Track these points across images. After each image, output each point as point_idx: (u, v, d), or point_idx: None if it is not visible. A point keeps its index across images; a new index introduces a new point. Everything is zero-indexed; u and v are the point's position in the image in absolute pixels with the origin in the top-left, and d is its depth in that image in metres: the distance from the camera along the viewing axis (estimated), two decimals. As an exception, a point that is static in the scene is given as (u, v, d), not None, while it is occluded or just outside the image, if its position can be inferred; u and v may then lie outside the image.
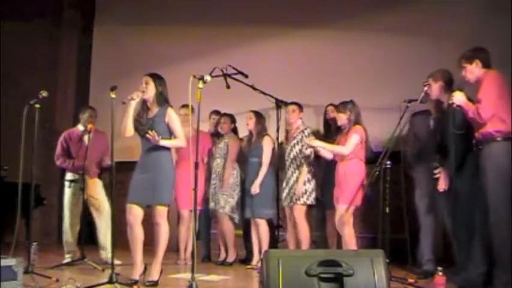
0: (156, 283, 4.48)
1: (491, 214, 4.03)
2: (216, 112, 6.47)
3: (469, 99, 4.18)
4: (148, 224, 4.57)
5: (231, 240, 6.05)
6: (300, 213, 5.61)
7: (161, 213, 4.46)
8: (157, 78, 4.56)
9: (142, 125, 4.50)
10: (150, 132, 4.37)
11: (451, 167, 4.48)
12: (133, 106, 4.45)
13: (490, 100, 4.03)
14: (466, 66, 4.22)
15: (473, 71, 4.19)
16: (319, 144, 5.13)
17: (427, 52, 5.96)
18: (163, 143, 4.43)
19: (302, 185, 5.58)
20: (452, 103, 4.17)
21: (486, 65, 4.18)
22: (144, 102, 4.56)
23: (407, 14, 6.30)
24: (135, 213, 4.47)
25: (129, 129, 4.49)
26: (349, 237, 4.91)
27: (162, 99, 4.54)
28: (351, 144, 4.95)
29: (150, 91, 4.51)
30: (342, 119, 5.12)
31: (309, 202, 5.61)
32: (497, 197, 4.02)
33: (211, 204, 6.03)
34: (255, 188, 5.74)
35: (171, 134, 4.52)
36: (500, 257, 4.01)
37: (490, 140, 4.07)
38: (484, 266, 4.18)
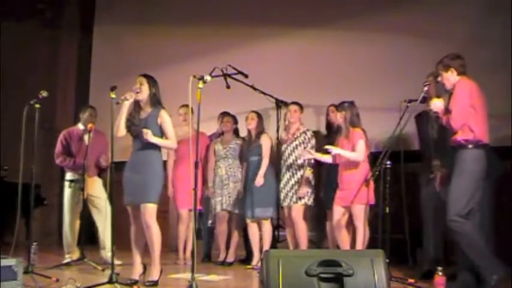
0: (156, 283, 4.49)
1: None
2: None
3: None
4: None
5: (235, 241, 6.08)
6: (298, 213, 5.62)
7: (150, 212, 4.41)
8: (150, 80, 4.58)
9: (135, 125, 4.51)
10: (145, 129, 4.40)
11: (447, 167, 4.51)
12: (127, 106, 4.46)
13: (459, 110, 4.09)
14: (442, 73, 4.29)
15: (449, 78, 4.27)
16: (335, 151, 5.06)
17: (427, 52, 5.93)
18: (155, 140, 4.43)
19: (307, 187, 5.58)
20: (430, 110, 4.23)
21: (461, 72, 4.23)
22: (136, 103, 4.56)
23: (407, 14, 6.29)
24: (134, 214, 4.50)
25: (122, 129, 4.50)
26: (365, 237, 4.93)
27: (155, 101, 4.56)
28: (361, 150, 4.98)
29: (144, 92, 4.53)
30: (339, 118, 5.16)
31: (309, 203, 5.64)
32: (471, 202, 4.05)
33: (224, 206, 5.99)
34: (259, 179, 5.72)
35: (162, 135, 4.53)
36: (486, 264, 4.02)
37: (462, 147, 4.14)
38: (471, 266, 4.18)
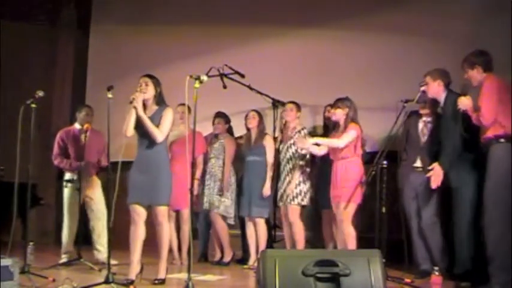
0: (163, 281, 4.55)
1: (487, 213, 4.03)
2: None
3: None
4: (147, 223, 4.58)
5: (225, 239, 6.03)
6: (294, 213, 5.60)
7: (162, 212, 4.52)
8: (155, 79, 4.63)
9: (141, 124, 4.50)
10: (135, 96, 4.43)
11: (446, 167, 4.50)
12: (140, 105, 4.46)
13: (489, 107, 4.08)
14: (468, 71, 4.26)
15: (475, 76, 4.26)
16: (312, 141, 5.07)
17: (425, 52, 5.95)
18: (144, 116, 4.44)
19: (294, 186, 5.56)
20: (459, 108, 4.19)
21: (487, 69, 4.21)
22: (142, 103, 4.55)
23: (407, 14, 6.28)
24: (139, 212, 4.53)
25: (131, 129, 4.51)
26: (351, 236, 4.91)
27: (160, 100, 4.62)
28: (346, 139, 4.88)
29: (150, 92, 4.57)
30: (339, 114, 5.08)
31: (303, 203, 5.60)
32: (497, 197, 4.04)
33: (206, 205, 6.00)
34: (266, 191, 5.73)
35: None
36: (496, 256, 4.01)
37: (493, 143, 4.12)
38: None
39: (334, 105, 5.20)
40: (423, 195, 4.87)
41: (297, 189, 5.57)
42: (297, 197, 5.57)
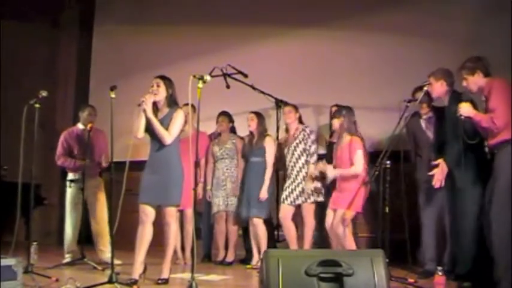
0: (167, 281, 4.55)
1: (494, 214, 4.04)
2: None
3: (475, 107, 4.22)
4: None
5: (233, 240, 6.07)
6: (309, 211, 5.63)
7: (172, 213, 4.53)
8: (167, 81, 4.59)
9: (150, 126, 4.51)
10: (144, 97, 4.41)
11: (450, 166, 4.51)
12: (149, 107, 4.44)
13: (503, 108, 4.06)
14: (467, 78, 4.25)
15: (476, 81, 4.23)
16: (332, 172, 5.10)
17: (427, 52, 5.96)
18: (153, 119, 4.42)
19: (311, 183, 5.59)
20: (460, 115, 4.19)
21: (487, 73, 4.21)
22: (153, 104, 4.55)
23: (407, 14, 6.29)
24: (148, 213, 4.52)
25: (141, 131, 4.50)
26: (349, 240, 4.93)
27: (172, 101, 4.59)
28: (360, 162, 4.96)
29: (161, 93, 4.55)
30: (336, 124, 5.15)
31: (319, 199, 5.63)
32: (506, 198, 4.02)
33: (222, 206, 6.00)
34: (263, 194, 5.74)
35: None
36: (502, 256, 4.02)
37: (504, 145, 4.09)
38: None
39: (333, 115, 5.25)
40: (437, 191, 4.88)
41: (311, 186, 5.59)
42: (312, 194, 5.60)
